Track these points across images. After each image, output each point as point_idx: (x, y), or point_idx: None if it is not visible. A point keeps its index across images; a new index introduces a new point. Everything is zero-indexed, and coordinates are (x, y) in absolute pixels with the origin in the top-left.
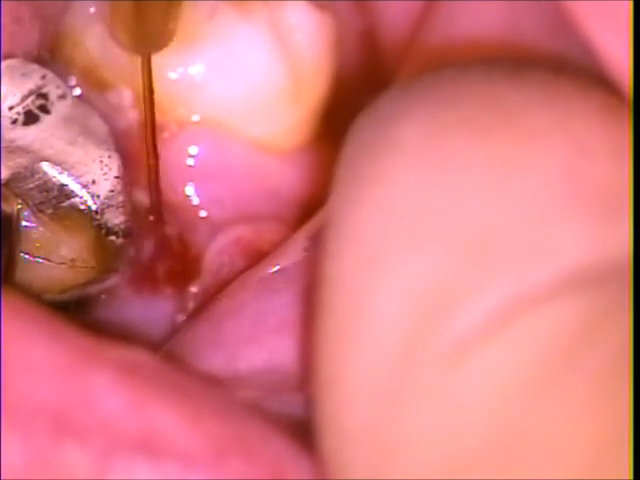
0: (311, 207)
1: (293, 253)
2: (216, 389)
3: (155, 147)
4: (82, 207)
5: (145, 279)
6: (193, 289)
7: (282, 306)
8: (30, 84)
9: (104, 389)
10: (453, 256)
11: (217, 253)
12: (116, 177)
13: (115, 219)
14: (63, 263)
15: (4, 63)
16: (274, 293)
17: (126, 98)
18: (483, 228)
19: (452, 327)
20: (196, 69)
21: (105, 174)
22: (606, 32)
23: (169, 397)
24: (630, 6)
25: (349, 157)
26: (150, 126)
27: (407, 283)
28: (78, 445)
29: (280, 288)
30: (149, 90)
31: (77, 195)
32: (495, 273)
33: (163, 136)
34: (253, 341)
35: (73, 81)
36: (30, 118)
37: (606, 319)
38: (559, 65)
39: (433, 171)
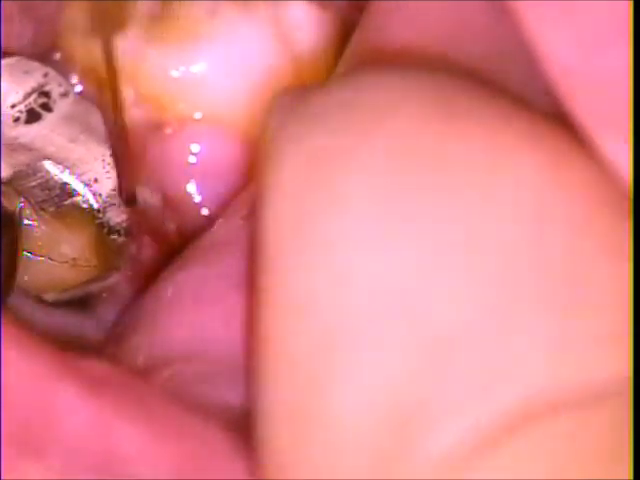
0: None
1: (228, 226)
2: (171, 399)
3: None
4: (84, 205)
5: (147, 277)
6: None
7: (214, 278)
8: (32, 82)
9: (68, 405)
10: (420, 359)
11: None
12: (118, 175)
13: (117, 218)
14: (65, 262)
15: (5, 61)
16: (207, 266)
17: (127, 97)
18: (444, 327)
19: (428, 447)
20: (198, 67)
21: (107, 172)
22: (551, 33)
23: (133, 415)
24: (630, 6)
25: (281, 193)
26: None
27: (371, 385)
28: (37, 463)
29: (212, 261)
30: (112, 73)
31: (79, 193)
32: (467, 391)
33: (165, 133)
34: (186, 318)
35: (74, 79)
36: (32, 116)
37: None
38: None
39: (386, 241)
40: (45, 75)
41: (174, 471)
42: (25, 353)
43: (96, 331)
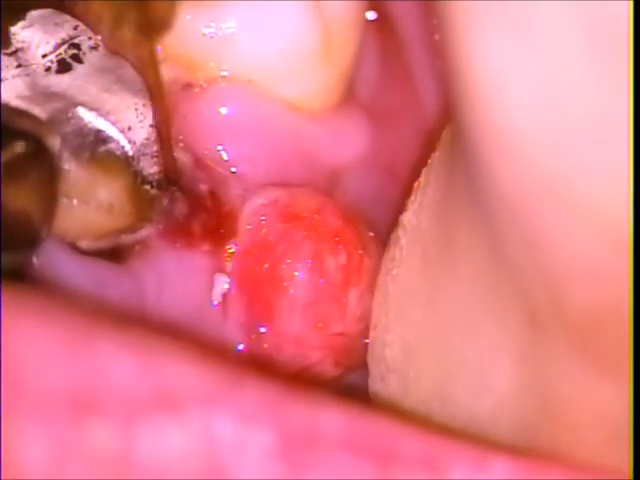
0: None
1: None
2: None
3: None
4: (118, 153)
5: (180, 233)
6: (230, 248)
7: None
8: (62, 33)
9: (111, 356)
10: None
11: (253, 213)
12: (151, 125)
13: (150, 168)
14: (101, 207)
15: (37, 12)
16: None
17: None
18: None
19: None
20: (228, 26)
21: (141, 122)
22: None
23: (173, 349)
24: (630, 6)
25: None
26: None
27: None
28: (99, 420)
29: None
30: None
31: (114, 140)
32: None
33: (193, 92)
34: None
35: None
36: (63, 66)
37: None
38: None
39: None
40: (75, 28)
41: (229, 381)
42: (54, 322)
43: (130, 284)
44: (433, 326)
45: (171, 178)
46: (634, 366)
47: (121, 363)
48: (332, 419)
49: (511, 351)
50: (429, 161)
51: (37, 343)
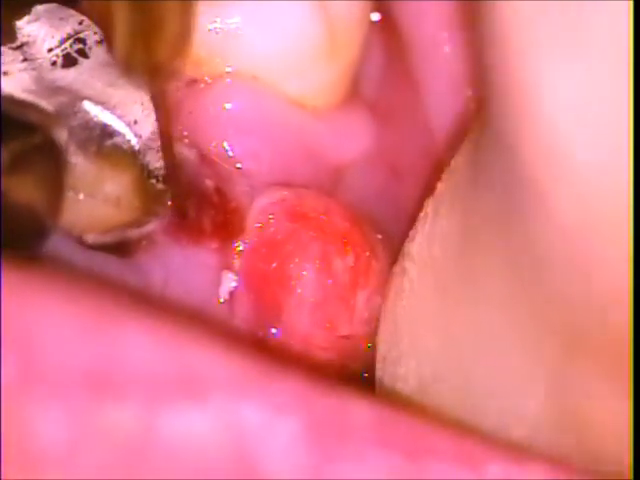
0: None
1: None
2: None
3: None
4: (125, 147)
5: (186, 229)
6: (238, 246)
7: None
8: (68, 28)
9: (135, 336)
10: None
11: (261, 211)
12: (157, 120)
13: (155, 163)
14: (108, 201)
15: (42, 7)
16: None
17: None
18: None
19: None
20: (233, 21)
21: (147, 116)
22: None
23: (200, 333)
24: (630, 6)
25: None
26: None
27: None
28: (120, 401)
29: None
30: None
31: (120, 134)
32: None
33: (198, 87)
34: None
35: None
36: (69, 61)
37: None
38: None
39: None
40: (81, 22)
41: (258, 370)
42: (76, 302)
43: (135, 279)
44: (452, 357)
45: (173, 174)
46: (634, 369)
47: (145, 343)
48: (362, 411)
49: (543, 378)
50: (436, 192)
51: (56, 320)
